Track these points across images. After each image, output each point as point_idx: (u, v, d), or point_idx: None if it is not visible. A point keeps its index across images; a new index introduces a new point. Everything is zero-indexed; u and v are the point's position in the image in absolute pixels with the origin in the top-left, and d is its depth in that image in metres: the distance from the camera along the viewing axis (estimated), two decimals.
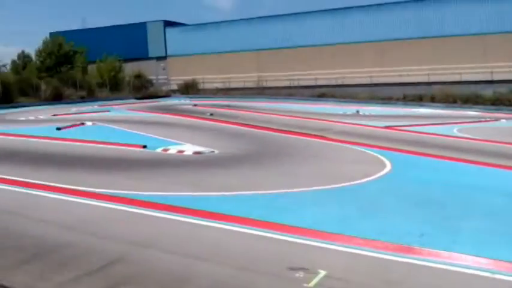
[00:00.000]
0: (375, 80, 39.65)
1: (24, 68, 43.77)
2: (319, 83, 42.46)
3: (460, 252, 5.22)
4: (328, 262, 4.97)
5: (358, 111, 26.72)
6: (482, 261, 4.97)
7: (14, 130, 17.85)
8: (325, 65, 43.62)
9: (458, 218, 6.58)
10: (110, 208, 7.09)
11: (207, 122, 20.85)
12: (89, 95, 41.16)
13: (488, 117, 23.80)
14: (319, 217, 6.59)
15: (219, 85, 47.78)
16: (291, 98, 39.55)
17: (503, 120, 22.62)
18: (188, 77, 49.61)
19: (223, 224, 6.20)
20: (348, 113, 26.20)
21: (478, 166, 10.73)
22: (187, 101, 37.52)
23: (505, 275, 4.66)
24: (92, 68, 48.22)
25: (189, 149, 12.93)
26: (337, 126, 19.04)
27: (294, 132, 16.83)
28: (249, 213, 6.66)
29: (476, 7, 37.68)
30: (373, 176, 9.40)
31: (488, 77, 35.28)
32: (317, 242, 5.57)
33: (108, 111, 27.79)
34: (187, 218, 6.50)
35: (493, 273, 4.70)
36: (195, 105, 32.10)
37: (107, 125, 19.54)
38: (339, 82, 40.97)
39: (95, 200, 7.51)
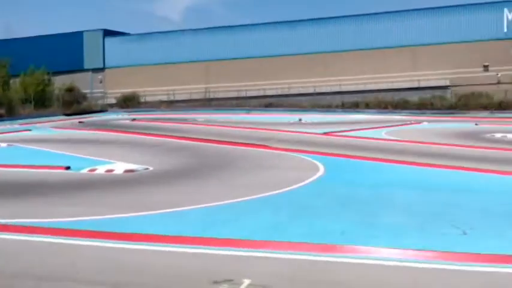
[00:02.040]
0: (318, 90, 41.88)
1: None
2: (268, 93, 43.44)
3: (377, 246, 5.75)
4: (253, 270, 5.02)
5: (300, 120, 28.32)
6: (394, 252, 5.52)
7: None
8: (273, 76, 44.92)
9: (378, 215, 7.26)
10: (22, 240, 6.51)
11: (146, 137, 20.53)
12: (9, 113, 38.56)
13: (414, 120, 27.99)
14: (254, 226, 6.73)
15: (163, 97, 47.26)
16: (237, 109, 39.94)
17: (425, 123, 26.59)
18: (128, 90, 48.72)
19: (150, 245, 5.98)
20: (291, 121, 27.84)
21: (401, 165, 12.14)
22: (125, 116, 36.85)
23: (412, 261, 5.24)
24: (15, 82, 45.75)
25: (119, 167, 12.47)
26: (280, 135, 19.88)
27: (236, 143, 17.02)
28: (181, 230, 6.53)
29: (407, 21, 43.18)
30: (306, 181, 10.02)
31: (415, 84, 40.48)
32: (244, 251, 5.63)
33: (30, 130, 26.25)
34: (109, 242, 6.18)
35: (402, 261, 5.24)
36: (134, 119, 31.60)
37: (26, 145, 18.24)
38: (285, 92, 42.22)
39: (4, 232, 6.76)
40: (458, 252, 5.53)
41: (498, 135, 19.29)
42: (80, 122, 30.19)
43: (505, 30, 41.50)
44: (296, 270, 5.10)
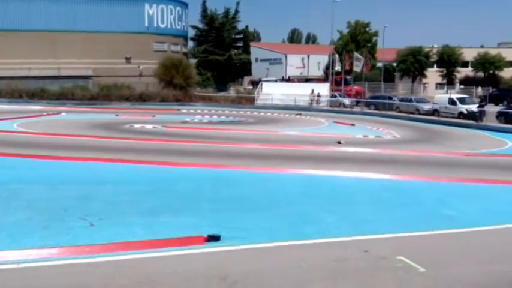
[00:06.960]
0: None
1: None
2: None
3: None
4: None
5: None
6: (12, 254, 5.53)
7: None
8: None
9: None
10: None
11: None
12: None
13: (51, 111, 28.12)
14: None
15: None
16: None
17: (64, 114, 27.17)
18: None
19: None
20: None
21: (33, 159, 11.93)
22: None
23: (32, 261, 5.35)
24: None
25: None
26: None
27: None
28: None
29: (46, 4, 41.59)
30: None
31: (56, 73, 39.70)
32: None
33: None
34: None
35: (19, 263, 5.31)
36: None
37: None
38: None
39: None
40: (84, 245, 5.85)
41: (137, 126, 21.02)
42: None
43: (146, 24, 45.69)
44: None
